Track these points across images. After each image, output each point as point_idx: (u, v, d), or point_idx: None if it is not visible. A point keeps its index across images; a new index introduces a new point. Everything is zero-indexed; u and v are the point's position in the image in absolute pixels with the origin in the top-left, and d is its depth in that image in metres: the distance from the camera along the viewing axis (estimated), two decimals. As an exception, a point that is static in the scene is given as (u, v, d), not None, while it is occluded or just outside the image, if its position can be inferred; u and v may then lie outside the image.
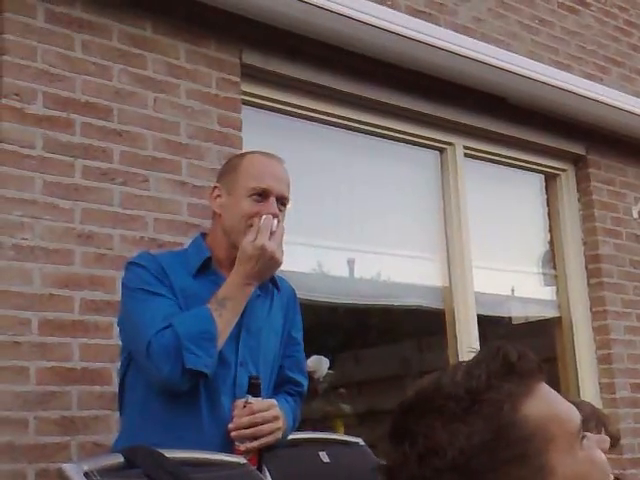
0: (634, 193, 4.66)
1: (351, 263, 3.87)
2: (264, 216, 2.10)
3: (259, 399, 2.10)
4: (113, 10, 2.87)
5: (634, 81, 4.88)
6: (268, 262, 2.11)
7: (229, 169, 2.27)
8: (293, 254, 3.31)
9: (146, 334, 2.03)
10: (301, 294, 3.48)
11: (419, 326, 5.08)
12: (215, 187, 2.25)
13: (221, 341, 2.07)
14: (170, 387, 2.06)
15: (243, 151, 3.10)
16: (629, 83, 4.82)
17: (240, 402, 2.09)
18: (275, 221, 2.10)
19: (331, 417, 4.21)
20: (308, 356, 4.16)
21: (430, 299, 4.00)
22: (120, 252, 2.76)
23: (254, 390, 2.10)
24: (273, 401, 2.16)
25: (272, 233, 2.10)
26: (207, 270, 2.20)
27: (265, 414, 2.10)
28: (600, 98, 4.29)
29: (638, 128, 4.53)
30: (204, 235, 2.33)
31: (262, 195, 2.17)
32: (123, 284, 2.22)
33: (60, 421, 2.56)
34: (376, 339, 5.95)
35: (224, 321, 2.07)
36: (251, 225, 2.13)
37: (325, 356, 4.11)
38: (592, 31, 4.72)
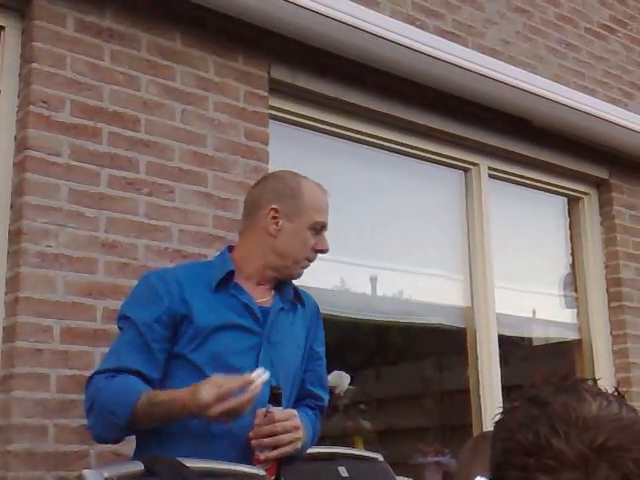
0: (656, 218, 4.49)
1: (374, 280, 3.76)
2: (256, 384, 1.92)
3: (280, 409, 2.00)
4: (143, 21, 2.76)
5: (658, 107, 4.71)
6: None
7: (289, 194, 2.18)
8: (316, 271, 3.19)
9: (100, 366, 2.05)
10: (324, 310, 3.37)
11: (440, 345, 4.92)
12: (274, 209, 2.15)
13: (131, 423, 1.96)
14: None
15: (270, 167, 2.99)
16: (653, 109, 4.66)
17: (261, 411, 1.99)
18: (260, 380, 1.94)
19: (351, 433, 4.06)
20: (329, 372, 4.04)
21: (452, 319, 3.86)
22: (144, 262, 2.64)
23: (275, 399, 2.00)
24: (294, 411, 2.06)
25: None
26: (228, 284, 2.12)
27: (286, 423, 2.00)
28: (624, 123, 4.17)
29: (661, 154, 4.36)
30: (231, 248, 2.23)
31: (318, 229, 2.17)
32: (129, 298, 2.16)
33: (80, 429, 2.42)
34: (397, 357, 5.79)
35: (143, 413, 1.94)
36: (306, 258, 2.14)
37: (346, 372, 3.97)
38: (618, 56, 4.57)
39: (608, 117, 4.09)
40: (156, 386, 2.00)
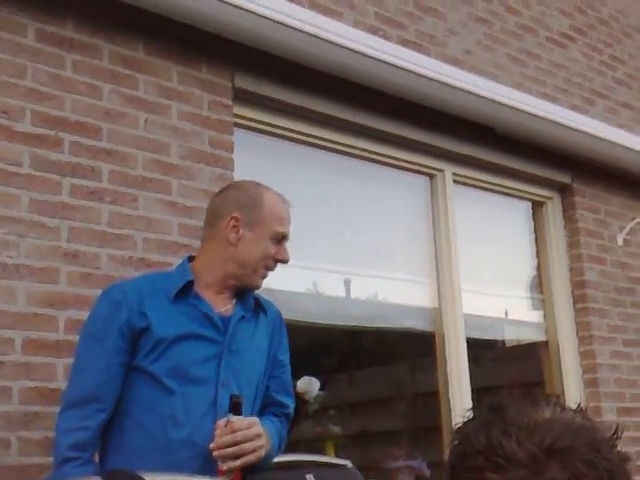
0: (618, 221, 4.48)
1: (343, 285, 3.71)
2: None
3: (241, 417, 1.94)
4: (105, 31, 2.69)
5: (618, 113, 4.71)
6: None
7: (250, 203, 2.14)
8: (285, 276, 3.13)
9: (65, 401, 2.01)
10: (295, 315, 3.33)
11: (411, 348, 4.87)
12: (234, 217, 2.11)
13: None
14: None
15: (235, 175, 2.93)
16: (614, 115, 4.66)
17: (222, 421, 1.92)
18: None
19: (321, 439, 3.98)
20: (300, 377, 3.98)
21: (421, 322, 3.83)
22: (107, 272, 2.56)
23: (236, 409, 1.93)
24: (255, 419, 2.00)
25: None
26: (188, 294, 2.07)
27: (247, 432, 1.94)
28: (585, 129, 4.17)
29: (622, 159, 4.37)
30: (191, 258, 2.19)
31: (279, 239, 2.14)
32: (90, 313, 2.09)
33: (43, 442, 2.34)
34: (369, 360, 5.73)
35: None
36: (266, 267, 2.11)
37: (319, 377, 3.90)
38: (578, 64, 4.56)
39: (570, 124, 4.08)
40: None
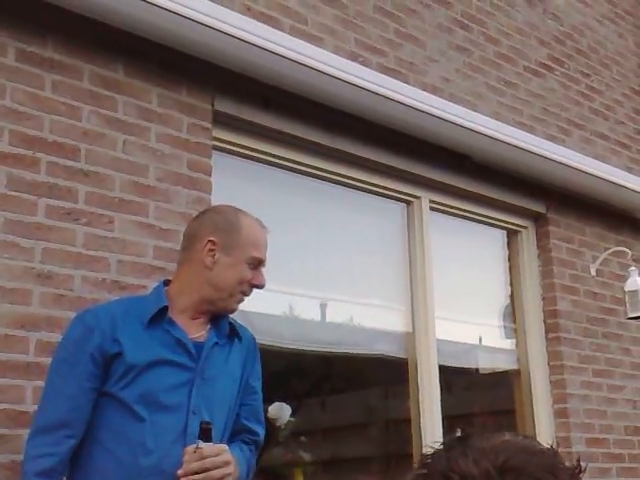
0: (592, 252, 4.55)
1: (318, 310, 3.72)
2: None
3: (210, 444, 1.94)
4: (85, 52, 2.70)
5: (594, 144, 4.80)
6: None
7: (227, 228, 2.16)
8: (260, 300, 3.14)
9: (35, 427, 2.01)
10: (268, 340, 3.33)
11: (385, 374, 4.88)
12: (211, 241, 2.12)
13: None
14: None
15: (212, 198, 2.94)
16: (589, 146, 4.74)
17: (190, 447, 1.93)
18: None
19: (290, 465, 3.97)
20: (272, 402, 3.97)
21: (395, 348, 3.85)
22: (80, 293, 2.56)
23: (205, 435, 1.94)
24: (224, 446, 2.01)
25: None
26: (162, 319, 2.08)
27: (215, 459, 1.94)
28: (561, 159, 4.23)
29: (597, 189, 4.44)
30: (167, 282, 2.20)
31: (255, 264, 2.15)
32: (62, 338, 2.11)
33: (10, 465, 2.33)
34: (342, 386, 5.72)
35: None
36: (242, 292, 2.13)
37: (291, 402, 3.90)
38: (555, 94, 4.65)
39: (546, 153, 4.14)
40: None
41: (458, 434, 1.05)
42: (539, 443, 1.02)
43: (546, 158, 4.14)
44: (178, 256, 2.27)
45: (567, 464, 0.99)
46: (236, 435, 2.18)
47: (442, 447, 1.01)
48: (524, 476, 0.93)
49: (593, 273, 4.51)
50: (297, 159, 3.40)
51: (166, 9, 2.72)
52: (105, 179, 2.69)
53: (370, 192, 3.76)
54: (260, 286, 2.18)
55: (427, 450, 1.02)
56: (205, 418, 1.98)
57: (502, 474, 0.93)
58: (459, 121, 3.75)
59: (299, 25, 3.41)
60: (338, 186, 3.63)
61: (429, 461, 0.99)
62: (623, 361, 4.53)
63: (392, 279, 3.89)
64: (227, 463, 1.97)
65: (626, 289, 4.29)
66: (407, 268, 3.87)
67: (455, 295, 4.09)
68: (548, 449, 1.00)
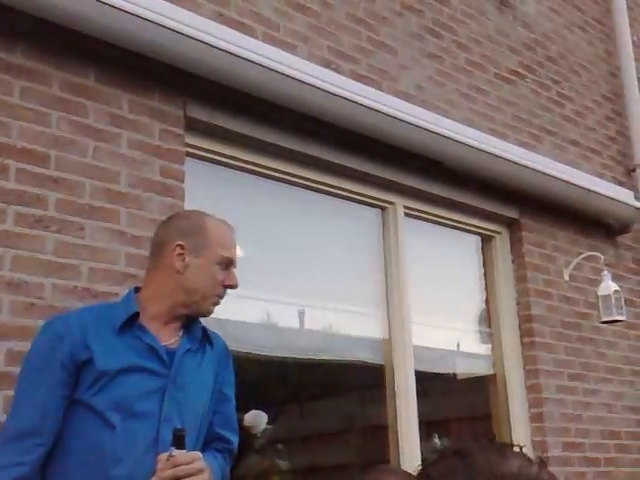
0: (565, 256, 4.55)
1: (295, 317, 3.68)
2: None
3: (183, 452, 1.90)
4: (55, 58, 2.66)
5: (566, 150, 4.82)
6: None
7: (194, 230, 2.14)
8: (236, 307, 3.11)
9: (4, 435, 1.97)
10: (245, 347, 3.29)
11: (362, 380, 4.85)
12: (179, 245, 2.11)
13: None
14: None
15: (185, 204, 2.91)
16: (561, 152, 4.76)
17: (164, 455, 1.90)
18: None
19: (268, 474, 3.92)
20: (250, 409, 3.92)
21: (372, 354, 3.82)
22: (51, 302, 2.50)
23: (178, 442, 1.90)
24: (198, 453, 1.98)
25: None
26: (133, 325, 2.05)
27: (188, 467, 1.91)
28: (533, 165, 4.24)
29: (568, 195, 4.46)
30: (137, 289, 2.17)
31: (226, 264, 2.13)
32: (32, 345, 2.07)
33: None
34: (320, 393, 5.68)
35: None
36: (217, 294, 2.11)
37: (269, 410, 3.86)
38: (527, 101, 4.66)
39: (518, 160, 4.15)
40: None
41: (456, 447, 0.99)
42: (539, 464, 0.96)
43: (518, 164, 4.14)
44: (147, 264, 2.24)
45: None
46: (209, 443, 2.15)
47: (442, 465, 0.95)
48: None
49: (566, 278, 4.52)
50: (271, 165, 3.37)
51: (136, 15, 2.69)
52: (75, 186, 2.64)
53: (345, 198, 3.74)
54: (233, 286, 2.16)
55: (424, 465, 0.98)
56: (178, 425, 1.95)
57: None
58: (432, 128, 3.75)
59: (271, 32, 3.38)
60: (312, 192, 3.61)
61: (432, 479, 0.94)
62: (598, 365, 4.53)
63: (368, 285, 3.86)
64: (201, 471, 1.94)
65: (599, 293, 4.31)
66: (383, 274, 3.85)
67: (431, 301, 4.07)
68: (551, 477, 0.96)
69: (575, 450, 4.22)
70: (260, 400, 4.22)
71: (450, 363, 4.32)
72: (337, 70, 3.59)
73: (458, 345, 4.32)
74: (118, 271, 2.68)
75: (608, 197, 4.64)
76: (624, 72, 5.34)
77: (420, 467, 0.98)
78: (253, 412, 3.63)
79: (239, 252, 3.22)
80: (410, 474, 1.01)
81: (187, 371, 2.07)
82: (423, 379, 3.84)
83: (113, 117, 2.78)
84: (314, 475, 4.78)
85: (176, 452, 1.88)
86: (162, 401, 1.99)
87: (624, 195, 4.80)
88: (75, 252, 2.59)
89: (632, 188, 5.01)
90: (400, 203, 3.92)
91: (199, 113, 3.04)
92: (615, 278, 4.45)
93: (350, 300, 3.78)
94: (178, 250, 2.11)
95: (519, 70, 4.69)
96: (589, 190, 4.51)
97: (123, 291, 2.46)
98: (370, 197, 3.81)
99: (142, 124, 2.85)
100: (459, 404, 4.60)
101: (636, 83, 5.32)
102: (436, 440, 4.18)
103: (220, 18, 3.15)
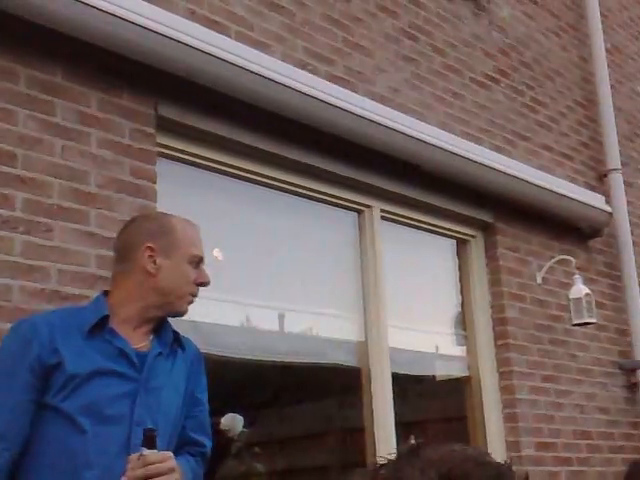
0: (538, 260, 4.51)
1: (273, 320, 3.60)
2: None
3: (154, 451, 1.83)
4: (22, 55, 2.54)
5: (539, 155, 4.77)
6: None
7: (162, 231, 2.08)
8: (213, 310, 3.01)
9: None
10: (222, 350, 3.20)
11: (339, 383, 4.78)
12: (149, 247, 2.04)
13: None
14: None
15: (157, 205, 2.81)
16: (534, 157, 4.71)
17: (134, 455, 1.82)
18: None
19: (245, 477, 3.82)
20: (227, 412, 3.83)
21: (349, 356, 3.75)
22: (18, 304, 2.40)
23: (149, 442, 1.82)
24: (169, 453, 1.90)
25: None
26: (103, 329, 1.97)
27: (160, 466, 1.83)
28: (507, 170, 4.21)
29: (541, 199, 4.43)
30: (107, 292, 2.09)
31: (197, 262, 2.09)
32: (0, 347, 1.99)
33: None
34: (298, 396, 5.61)
35: None
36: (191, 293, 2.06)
37: (247, 413, 3.77)
38: (501, 106, 4.61)
39: (492, 164, 4.12)
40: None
41: (412, 443, 1.05)
42: (489, 455, 1.01)
43: (493, 169, 4.11)
44: (112, 269, 2.14)
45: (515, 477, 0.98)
46: (182, 447, 2.08)
47: (394, 457, 1.01)
48: None
49: (539, 281, 4.48)
50: (245, 167, 3.27)
51: (106, 12, 2.59)
52: (43, 186, 2.52)
53: (321, 201, 3.66)
54: (206, 283, 2.11)
55: (380, 460, 1.03)
56: (149, 425, 1.87)
57: None
58: (407, 131, 3.69)
59: (245, 31, 3.29)
60: (288, 195, 3.51)
61: (381, 472, 1.00)
62: (570, 366, 4.50)
63: (344, 288, 3.79)
64: (172, 470, 1.86)
65: (571, 296, 4.33)
66: (359, 277, 3.78)
67: (407, 304, 4.02)
68: (499, 463, 0.99)
69: (548, 450, 4.19)
70: (237, 403, 4.13)
71: (426, 365, 4.26)
72: (313, 71, 3.50)
73: (434, 347, 4.27)
74: (89, 273, 2.58)
75: (580, 202, 4.62)
76: (598, 78, 5.31)
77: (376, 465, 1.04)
78: (229, 415, 3.54)
79: (219, 255, 3.15)
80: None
81: (158, 375, 2.00)
82: (399, 381, 3.79)
83: (82, 115, 2.67)
84: (291, 477, 4.70)
85: (147, 452, 1.81)
86: (133, 405, 1.92)
87: (596, 200, 4.79)
88: (43, 254, 2.48)
89: (604, 193, 4.99)
90: (377, 206, 3.84)
91: (171, 112, 2.93)
92: (586, 281, 4.46)
93: (327, 303, 3.72)
94: (148, 252, 2.04)
95: (494, 75, 4.64)
96: (562, 195, 4.48)
97: (93, 294, 2.36)
98: (346, 200, 3.73)
99: (112, 123, 2.74)
100: (435, 406, 4.54)
101: (609, 89, 5.29)
102: (412, 442, 4.11)
103: (193, 16, 3.06)
